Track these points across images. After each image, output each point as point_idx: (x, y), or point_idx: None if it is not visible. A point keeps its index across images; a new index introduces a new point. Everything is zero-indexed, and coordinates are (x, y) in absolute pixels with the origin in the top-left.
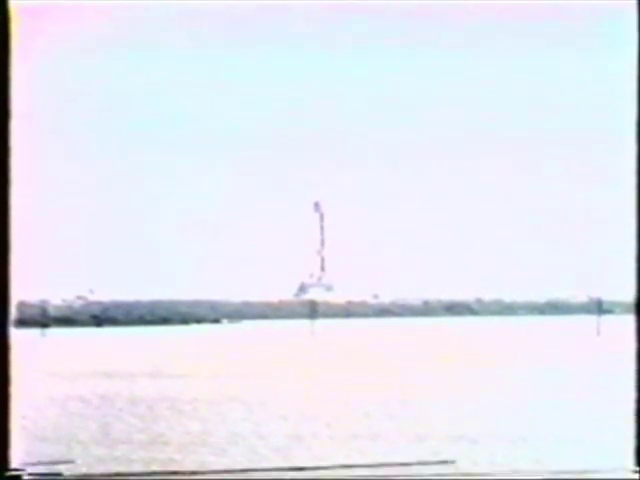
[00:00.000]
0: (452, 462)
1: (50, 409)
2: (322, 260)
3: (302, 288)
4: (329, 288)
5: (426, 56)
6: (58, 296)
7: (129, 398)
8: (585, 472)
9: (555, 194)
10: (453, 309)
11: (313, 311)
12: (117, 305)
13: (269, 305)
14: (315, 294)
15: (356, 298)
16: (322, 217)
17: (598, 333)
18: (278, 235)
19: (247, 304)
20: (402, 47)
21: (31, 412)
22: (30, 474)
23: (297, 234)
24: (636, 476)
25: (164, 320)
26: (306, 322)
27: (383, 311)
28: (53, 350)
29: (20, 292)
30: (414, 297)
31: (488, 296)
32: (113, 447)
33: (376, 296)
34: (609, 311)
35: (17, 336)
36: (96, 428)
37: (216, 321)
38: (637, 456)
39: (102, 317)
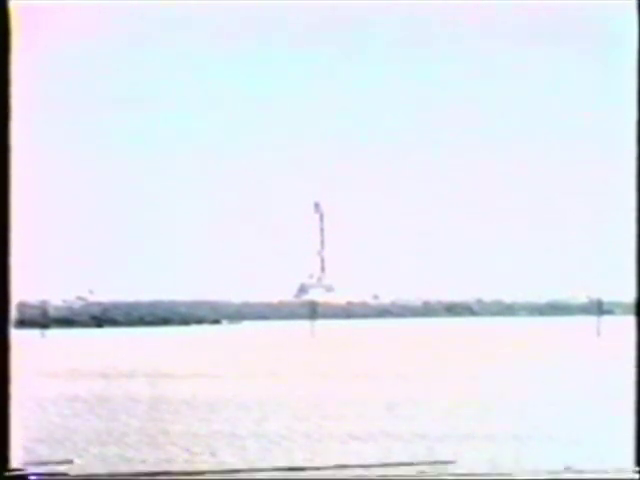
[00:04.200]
0: (451, 462)
1: (48, 410)
2: (322, 261)
3: (302, 289)
4: (329, 289)
5: (429, 54)
6: (58, 297)
7: (129, 398)
8: (585, 472)
9: (555, 193)
10: (453, 310)
11: (313, 312)
12: (117, 306)
13: (269, 306)
14: (315, 295)
15: (356, 299)
16: (322, 217)
17: (598, 334)
18: (278, 235)
19: (247, 305)
20: (400, 43)
21: (29, 413)
22: (30, 474)
23: (297, 234)
24: (636, 476)
25: (164, 321)
26: (306, 323)
27: (383, 312)
28: (53, 351)
29: (20, 293)
30: (414, 297)
31: (488, 297)
32: (111, 447)
33: (376, 297)
34: (609, 312)
35: (17, 337)
36: (94, 427)
37: (216, 322)
38: (637, 456)
39: (102, 318)
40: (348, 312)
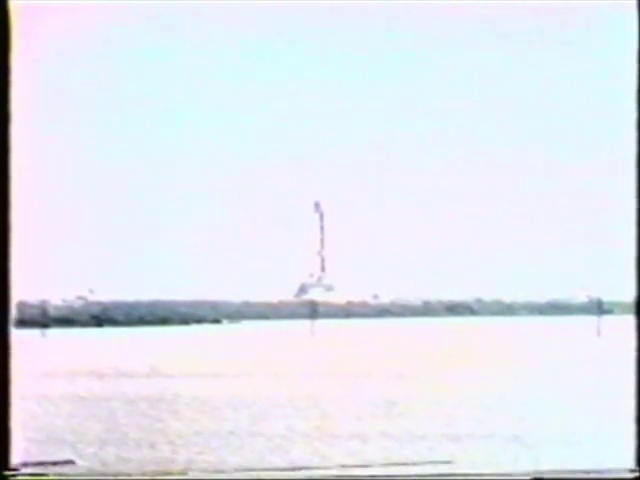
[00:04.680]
0: (448, 462)
1: (48, 410)
2: (322, 260)
3: (302, 288)
4: (329, 288)
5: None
6: (58, 296)
7: (128, 398)
8: (585, 472)
9: (556, 193)
10: (453, 309)
11: (313, 311)
12: (117, 305)
13: (269, 305)
14: (315, 294)
15: (356, 298)
16: (322, 217)
17: (598, 333)
18: (278, 235)
19: (247, 304)
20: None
21: (29, 413)
22: (30, 474)
23: (297, 234)
24: (636, 475)
25: (164, 320)
26: (306, 322)
27: (383, 311)
28: (54, 350)
29: (20, 293)
30: (414, 297)
31: (488, 296)
32: (110, 447)
33: (376, 296)
34: (609, 311)
35: (17, 336)
36: (93, 427)
37: (216, 321)
38: (637, 456)
39: (102, 317)
40: (348, 312)
